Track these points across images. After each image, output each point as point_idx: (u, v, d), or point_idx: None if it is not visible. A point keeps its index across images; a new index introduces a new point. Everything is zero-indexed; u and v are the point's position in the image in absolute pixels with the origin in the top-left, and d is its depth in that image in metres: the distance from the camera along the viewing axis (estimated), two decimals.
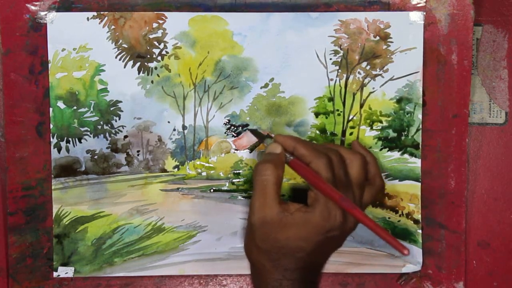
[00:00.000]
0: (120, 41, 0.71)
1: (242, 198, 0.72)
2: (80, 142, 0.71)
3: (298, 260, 0.60)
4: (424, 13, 0.71)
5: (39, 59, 0.71)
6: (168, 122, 0.72)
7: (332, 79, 0.72)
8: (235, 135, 0.72)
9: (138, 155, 0.72)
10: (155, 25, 0.71)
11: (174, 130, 0.72)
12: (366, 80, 0.72)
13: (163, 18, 0.71)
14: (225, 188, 0.73)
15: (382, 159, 0.72)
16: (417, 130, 0.72)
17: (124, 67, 0.71)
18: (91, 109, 0.71)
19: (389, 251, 0.73)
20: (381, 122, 0.72)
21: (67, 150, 0.71)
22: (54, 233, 0.72)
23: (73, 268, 0.72)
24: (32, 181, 0.71)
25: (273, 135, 0.64)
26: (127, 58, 0.71)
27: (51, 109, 0.71)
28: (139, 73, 0.71)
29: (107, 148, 0.72)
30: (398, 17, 0.71)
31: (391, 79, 0.72)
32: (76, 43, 0.70)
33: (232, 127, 0.72)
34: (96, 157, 0.72)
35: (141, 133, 0.72)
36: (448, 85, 0.72)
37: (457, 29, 0.71)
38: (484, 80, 0.75)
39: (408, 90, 0.72)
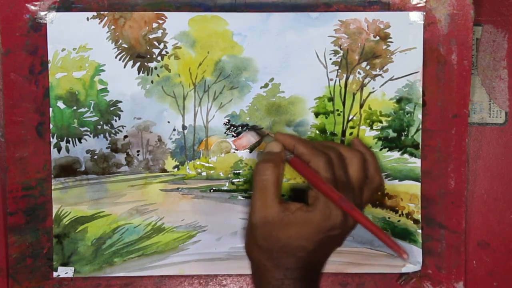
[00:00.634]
0: (120, 41, 0.71)
1: (242, 198, 0.72)
2: (80, 142, 0.71)
3: (299, 259, 0.60)
4: (424, 13, 0.71)
5: (39, 59, 0.71)
6: (168, 122, 0.72)
7: (332, 79, 0.72)
8: (235, 135, 0.72)
9: (138, 155, 0.72)
10: (155, 25, 0.71)
11: (174, 130, 0.72)
12: (366, 80, 0.72)
13: (163, 18, 0.71)
14: (225, 188, 0.73)
15: (382, 159, 0.72)
16: (417, 130, 0.72)
17: (124, 67, 0.71)
18: (91, 109, 0.71)
19: (389, 251, 0.72)
20: (381, 122, 0.72)
21: (67, 150, 0.71)
22: (54, 233, 0.72)
23: (73, 268, 0.72)
24: (32, 181, 0.71)
25: (273, 134, 0.64)
26: (127, 58, 0.71)
27: (51, 109, 0.71)
28: (139, 73, 0.71)
29: (107, 148, 0.72)
30: (398, 17, 0.71)
31: (391, 79, 0.72)
32: (76, 43, 0.70)
33: (232, 127, 0.72)
34: (96, 157, 0.72)
35: (141, 133, 0.72)
36: (448, 85, 0.72)
37: (457, 29, 0.71)
38: (484, 80, 0.75)
39: (408, 90, 0.72)
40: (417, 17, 0.71)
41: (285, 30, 0.71)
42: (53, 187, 0.71)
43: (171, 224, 0.72)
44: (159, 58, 0.71)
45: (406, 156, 0.72)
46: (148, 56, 0.71)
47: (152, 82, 0.71)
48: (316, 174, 0.60)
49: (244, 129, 0.72)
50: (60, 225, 0.72)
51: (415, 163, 0.72)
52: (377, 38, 0.71)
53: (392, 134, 0.72)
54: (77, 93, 0.71)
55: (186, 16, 0.71)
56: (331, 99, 0.72)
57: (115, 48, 0.71)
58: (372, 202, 0.72)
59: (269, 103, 0.72)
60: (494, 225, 0.75)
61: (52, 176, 0.71)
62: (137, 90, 0.71)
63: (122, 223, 0.72)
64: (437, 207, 0.73)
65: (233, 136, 0.72)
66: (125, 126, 0.72)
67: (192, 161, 0.72)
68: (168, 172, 0.72)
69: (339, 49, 0.71)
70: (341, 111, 0.72)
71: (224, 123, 0.72)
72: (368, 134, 0.72)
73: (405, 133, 0.72)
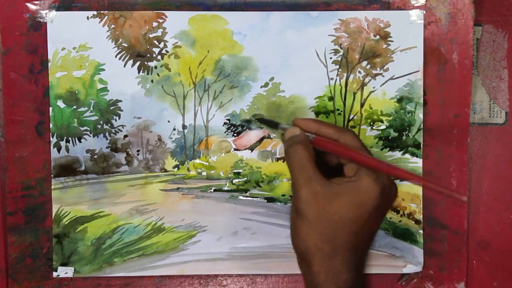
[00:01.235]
0: (120, 40, 0.71)
1: (242, 198, 0.72)
2: (79, 141, 0.71)
3: (354, 234, 0.58)
4: (424, 12, 0.71)
5: (39, 58, 0.71)
6: (168, 121, 0.72)
7: (332, 78, 0.72)
8: (235, 134, 0.72)
9: (138, 154, 0.72)
10: (155, 24, 0.71)
11: (174, 129, 0.72)
12: (366, 79, 0.72)
13: (163, 17, 0.71)
14: (225, 188, 0.72)
15: (384, 159, 0.72)
16: (418, 129, 0.72)
17: (124, 66, 0.71)
18: (91, 109, 0.71)
19: (390, 251, 0.72)
20: (382, 121, 0.72)
21: (67, 149, 0.71)
22: (54, 233, 0.71)
23: (72, 268, 0.71)
24: (32, 180, 0.71)
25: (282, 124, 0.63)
26: (127, 57, 0.71)
27: (51, 108, 0.71)
28: (139, 72, 0.71)
29: (107, 147, 0.72)
30: (398, 16, 0.71)
31: (391, 78, 0.72)
32: (76, 42, 0.71)
33: (232, 126, 0.72)
34: (96, 156, 0.72)
35: (141, 132, 0.72)
36: (449, 85, 0.72)
37: (458, 28, 0.71)
38: (484, 80, 0.74)
39: (409, 90, 0.72)
40: (417, 16, 0.71)
41: (285, 29, 0.71)
42: (52, 187, 0.71)
43: (171, 224, 0.72)
44: (159, 57, 0.71)
45: (407, 156, 0.72)
46: (148, 55, 0.71)
47: (152, 81, 0.71)
48: (347, 147, 0.59)
49: (255, 118, 0.71)
50: (60, 225, 0.71)
51: (417, 163, 0.72)
52: (377, 37, 0.71)
53: (393, 133, 0.72)
54: (77, 92, 0.71)
55: (186, 15, 0.71)
56: (331, 99, 0.72)
57: (115, 47, 0.71)
58: None
59: (269, 102, 0.72)
60: (494, 225, 0.75)
61: (52, 175, 0.71)
62: (137, 89, 0.71)
63: (122, 223, 0.72)
64: (438, 207, 0.73)
65: (233, 135, 0.72)
66: (125, 126, 0.71)
67: (192, 160, 0.72)
68: (168, 171, 0.72)
69: (339, 48, 0.71)
70: (341, 111, 0.72)
71: (224, 123, 0.72)
72: (369, 134, 0.72)
73: (406, 133, 0.72)
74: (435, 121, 0.72)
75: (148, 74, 0.71)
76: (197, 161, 0.72)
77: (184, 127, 0.72)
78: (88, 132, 0.71)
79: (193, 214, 0.72)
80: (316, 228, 0.58)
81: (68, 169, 0.71)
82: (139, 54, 0.71)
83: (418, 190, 0.72)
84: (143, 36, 0.71)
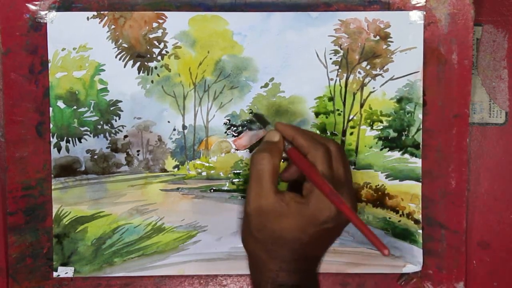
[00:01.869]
0: (120, 40, 0.71)
1: (242, 198, 0.72)
2: (80, 141, 0.71)
3: (295, 251, 0.59)
4: (424, 12, 0.71)
5: (39, 58, 0.71)
6: (168, 122, 0.72)
7: (332, 79, 0.72)
8: (235, 135, 0.72)
9: (138, 155, 0.72)
10: (155, 24, 0.71)
11: (174, 130, 0.72)
12: (366, 80, 0.72)
13: (163, 17, 0.71)
14: (225, 188, 0.72)
15: (383, 159, 0.72)
16: (418, 130, 0.72)
17: (124, 66, 0.71)
18: (91, 109, 0.71)
19: (390, 251, 0.72)
20: (381, 122, 0.72)
21: (67, 150, 0.71)
22: (54, 233, 0.71)
23: (73, 268, 0.72)
24: (32, 181, 0.71)
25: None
26: (127, 58, 0.71)
27: (51, 108, 0.71)
28: (139, 73, 0.71)
29: (107, 148, 0.72)
30: (398, 16, 0.71)
31: (391, 79, 0.72)
32: (76, 42, 0.70)
33: (232, 127, 0.72)
34: (96, 157, 0.72)
35: (141, 133, 0.72)
36: (448, 85, 0.72)
37: (457, 28, 0.71)
38: (484, 80, 0.75)
39: (409, 90, 0.72)
40: (417, 17, 0.71)
41: (285, 29, 0.71)
42: (53, 187, 0.71)
43: (171, 224, 0.72)
44: (159, 57, 0.71)
45: (406, 156, 0.72)
46: (148, 55, 0.71)
47: (152, 81, 0.71)
48: (311, 166, 0.59)
49: (251, 112, 0.72)
50: (60, 225, 0.71)
51: (416, 163, 0.72)
52: (377, 37, 0.71)
53: (392, 134, 0.72)
54: (77, 92, 0.71)
55: (186, 15, 0.71)
56: (331, 99, 0.72)
57: (115, 47, 0.71)
58: (372, 202, 0.72)
59: (269, 103, 0.72)
60: (494, 225, 0.75)
61: (52, 176, 0.71)
62: (137, 89, 0.71)
63: (122, 223, 0.72)
64: (437, 207, 0.73)
65: (233, 136, 0.72)
66: (125, 126, 0.72)
67: (192, 161, 0.72)
68: (168, 172, 0.72)
69: (339, 48, 0.71)
70: (341, 111, 0.72)
71: (224, 123, 0.72)
72: (369, 134, 0.72)
73: (406, 133, 0.72)
74: (435, 121, 0.72)
75: (148, 74, 0.71)
76: (197, 161, 0.72)
77: (184, 127, 0.72)
78: (88, 133, 0.71)
79: (193, 214, 0.72)
80: (257, 238, 0.60)
81: (68, 169, 0.71)
82: (139, 54, 0.71)
83: (417, 190, 0.72)
84: (143, 36, 0.71)
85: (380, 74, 0.72)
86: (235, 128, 0.72)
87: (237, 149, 0.72)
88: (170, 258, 0.72)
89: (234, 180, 0.72)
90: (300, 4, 0.71)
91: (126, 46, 0.71)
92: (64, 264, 0.72)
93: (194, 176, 0.72)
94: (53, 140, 0.71)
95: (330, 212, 0.59)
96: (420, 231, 0.72)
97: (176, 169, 0.72)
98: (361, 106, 0.72)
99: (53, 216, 0.71)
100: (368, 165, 0.72)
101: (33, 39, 0.70)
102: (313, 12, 0.71)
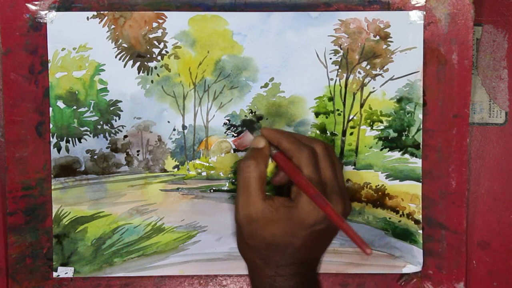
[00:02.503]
0: (120, 40, 0.71)
1: None
2: (80, 142, 0.71)
3: (289, 255, 0.60)
4: (424, 12, 0.71)
5: (39, 58, 0.71)
6: (168, 122, 0.72)
7: (332, 79, 0.72)
8: (235, 135, 0.72)
9: (138, 155, 0.72)
10: (155, 24, 0.71)
11: (174, 130, 0.72)
12: (366, 80, 0.72)
13: (163, 17, 0.71)
14: (225, 188, 0.72)
15: (383, 159, 0.72)
16: (418, 130, 0.72)
17: (124, 66, 0.71)
18: (91, 109, 0.71)
19: (389, 251, 0.72)
20: (381, 122, 0.72)
21: (67, 150, 0.71)
22: (54, 233, 0.71)
23: (72, 268, 0.72)
24: (32, 181, 0.71)
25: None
26: (127, 58, 0.71)
27: (51, 108, 0.71)
28: (139, 73, 0.71)
29: (106, 148, 0.72)
30: (398, 16, 0.71)
31: (391, 79, 0.72)
32: (76, 42, 0.70)
33: (232, 127, 0.72)
34: (95, 157, 0.72)
35: (141, 133, 0.72)
36: (448, 85, 0.72)
37: (457, 28, 0.71)
38: (484, 80, 0.74)
39: (409, 90, 0.72)
40: (417, 17, 0.71)
41: (285, 29, 0.71)
42: (52, 187, 0.71)
43: (171, 224, 0.72)
44: (159, 57, 0.71)
45: (406, 156, 0.72)
46: (148, 55, 0.71)
47: (152, 81, 0.71)
48: (296, 170, 0.59)
49: (243, 119, 0.72)
50: (60, 225, 0.71)
51: (416, 163, 0.72)
52: (377, 37, 0.71)
53: (392, 134, 0.72)
54: (77, 92, 0.71)
55: (186, 15, 0.71)
56: (331, 99, 0.72)
57: (115, 47, 0.71)
58: (372, 202, 0.72)
59: (269, 102, 0.72)
60: (494, 225, 0.75)
61: (52, 176, 0.71)
62: (137, 89, 0.71)
63: (122, 223, 0.72)
64: (438, 207, 0.73)
65: (233, 136, 0.72)
66: (125, 126, 0.72)
67: (192, 161, 0.72)
68: (168, 172, 0.72)
69: (339, 48, 0.71)
70: (341, 111, 0.72)
71: (224, 123, 0.72)
72: (369, 134, 0.72)
73: (406, 133, 0.72)
74: (435, 121, 0.72)
75: (148, 74, 0.71)
76: (197, 161, 0.72)
77: (184, 127, 0.72)
78: (88, 133, 0.71)
79: (193, 214, 0.72)
80: (250, 245, 0.61)
81: (68, 169, 0.71)
82: (139, 54, 0.71)
83: (417, 190, 0.72)
84: (143, 36, 0.71)
85: (380, 74, 0.72)
86: (235, 128, 0.72)
87: (237, 149, 0.72)
88: (170, 258, 0.72)
89: (234, 180, 0.72)
90: (300, 4, 0.71)
91: (126, 46, 0.71)
92: (64, 264, 0.72)
93: (194, 176, 0.72)
94: (53, 140, 0.71)
95: (318, 214, 0.59)
96: (420, 231, 0.72)
97: (176, 169, 0.72)
98: (361, 106, 0.72)
99: (53, 216, 0.71)
100: (368, 165, 0.72)
101: (33, 39, 0.70)
102: (313, 12, 0.71)
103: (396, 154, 0.72)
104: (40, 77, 0.71)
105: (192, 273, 0.72)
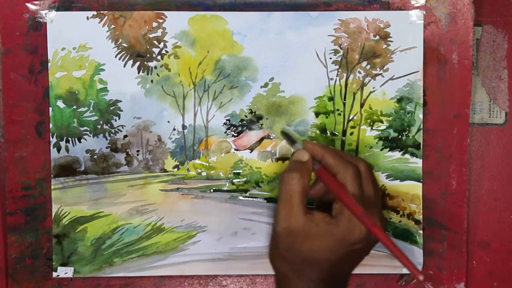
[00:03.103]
0: (120, 40, 0.71)
1: (242, 198, 0.72)
2: (79, 141, 0.71)
3: (323, 271, 0.59)
4: (424, 12, 0.71)
5: (39, 58, 0.71)
6: (168, 121, 0.72)
7: (332, 79, 0.72)
8: (235, 135, 0.72)
9: (137, 155, 0.72)
10: (154, 24, 0.71)
11: (174, 129, 0.72)
12: (366, 80, 0.72)
13: (163, 17, 0.71)
14: (225, 188, 0.72)
15: (383, 159, 0.72)
16: (418, 130, 0.72)
17: (124, 66, 0.71)
18: (91, 109, 0.71)
19: (390, 252, 0.72)
20: (381, 122, 0.72)
21: (67, 149, 0.71)
22: (54, 233, 0.71)
23: (72, 268, 0.71)
24: (32, 181, 0.71)
25: (301, 142, 0.63)
26: (127, 58, 0.71)
27: (50, 108, 0.71)
28: (138, 73, 0.71)
29: (106, 147, 0.72)
30: (398, 16, 0.71)
31: (391, 79, 0.72)
32: (76, 42, 0.71)
33: (232, 127, 0.72)
34: (95, 156, 0.72)
35: (141, 132, 0.72)
36: (449, 85, 0.72)
37: (457, 28, 0.71)
38: (484, 80, 0.74)
39: (409, 90, 0.71)
40: (417, 16, 0.71)
41: (285, 29, 0.71)
42: (52, 187, 0.71)
43: (171, 224, 0.72)
44: (159, 57, 0.71)
45: (407, 156, 0.72)
46: (148, 55, 0.71)
47: (152, 81, 0.71)
48: (341, 187, 0.59)
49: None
50: (60, 225, 0.71)
51: (416, 163, 0.72)
52: (377, 37, 0.71)
53: (393, 134, 0.72)
54: (77, 92, 0.71)
55: (186, 15, 0.71)
56: (331, 99, 0.72)
57: (115, 47, 0.71)
58: None
59: (269, 102, 0.72)
60: (494, 225, 0.75)
61: (52, 176, 0.71)
62: (137, 89, 0.71)
63: (122, 223, 0.72)
64: (438, 207, 0.72)
65: (233, 136, 0.72)
66: (124, 126, 0.71)
67: (192, 161, 0.72)
68: (168, 172, 0.72)
69: (339, 48, 0.71)
70: (341, 111, 0.72)
71: (224, 123, 0.72)
72: (369, 134, 0.72)
73: (406, 133, 0.72)
74: (435, 121, 0.72)
75: (148, 74, 0.71)
76: (197, 161, 0.72)
77: (184, 127, 0.72)
78: (88, 132, 0.71)
79: (193, 214, 0.72)
80: (285, 257, 0.60)
81: (68, 169, 0.71)
82: (139, 54, 0.71)
83: (418, 190, 0.72)
84: (143, 36, 0.71)
85: (380, 74, 0.72)
86: (235, 128, 0.72)
87: (237, 149, 0.72)
88: (170, 258, 0.72)
89: (234, 180, 0.72)
90: (300, 4, 0.71)
91: (126, 45, 0.71)
92: (64, 264, 0.71)
93: (194, 176, 0.72)
94: (53, 140, 0.71)
95: (361, 234, 0.58)
96: (421, 231, 0.72)
97: (176, 169, 0.72)
98: (361, 106, 0.72)
99: (53, 216, 0.71)
100: None
101: (33, 38, 0.70)
102: (313, 12, 0.71)
103: (397, 154, 0.72)
104: (40, 77, 0.71)
105: (192, 273, 0.72)
